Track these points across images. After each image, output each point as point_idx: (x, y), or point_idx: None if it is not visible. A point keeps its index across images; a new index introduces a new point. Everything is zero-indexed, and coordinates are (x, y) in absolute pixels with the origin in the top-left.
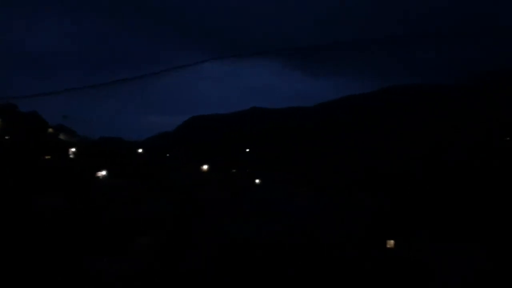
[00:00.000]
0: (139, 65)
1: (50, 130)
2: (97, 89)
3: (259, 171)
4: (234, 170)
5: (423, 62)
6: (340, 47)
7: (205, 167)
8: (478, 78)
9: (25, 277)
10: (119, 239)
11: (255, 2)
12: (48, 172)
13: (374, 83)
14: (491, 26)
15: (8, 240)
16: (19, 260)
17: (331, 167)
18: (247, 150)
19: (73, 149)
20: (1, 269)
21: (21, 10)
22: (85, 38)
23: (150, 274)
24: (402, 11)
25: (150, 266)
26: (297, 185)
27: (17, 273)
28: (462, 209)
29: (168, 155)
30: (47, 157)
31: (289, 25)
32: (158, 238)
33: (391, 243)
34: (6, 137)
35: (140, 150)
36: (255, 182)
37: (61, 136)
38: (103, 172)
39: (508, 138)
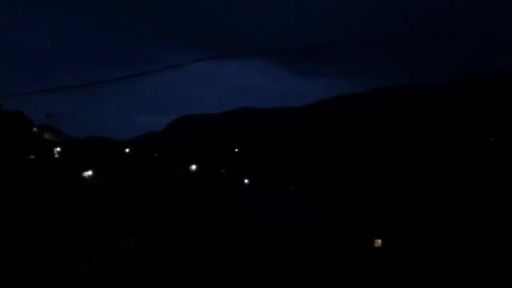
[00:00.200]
0: (128, 64)
1: (34, 129)
2: (84, 88)
3: (248, 171)
4: (223, 170)
5: (415, 62)
6: (329, 47)
7: (193, 167)
8: (478, 78)
9: (10, 281)
10: (107, 240)
11: (245, 3)
12: (32, 172)
13: (364, 83)
14: (491, 26)
15: None
16: (3, 263)
17: (322, 167)
18: (236, 150)
19: (58, 149)
20: None
21: (8, 9)
22: (72, 37)
23: (138, 275)
24: (397, 11)
25: (138, 267)
26: (287, 184)
27: (2, 277)
28: (461, 209)
29: (156, 155)
30: (30, 157)
31: (279, 25)
32: (147, 238)
33: (378, 242)
34: None
35: (127, 150)
36: (245, 182)
37: (46, 136)
38: (89, 172)
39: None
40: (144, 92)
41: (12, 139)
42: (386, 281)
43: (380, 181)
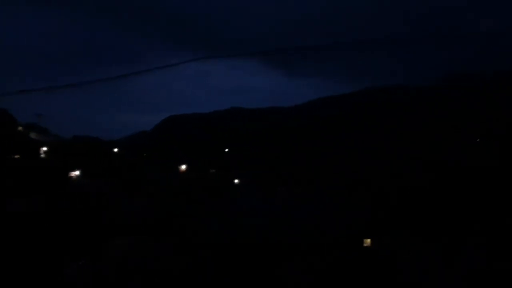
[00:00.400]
0: (119, 64)
1: (20, 128)
2: (73, 88)
3: (238, 171)
4: (213, 170)
5: (405, 63)
6: (320, 48)
7: (183, 167)
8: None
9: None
10: (94, 241)
11: (236, 3)
12: (16, 172)
13: (355, 83)
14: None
15: None
16: None
17: (314, 166)
18: (226, 150)
19: (45, 148)
20: None
21: None
22: (61, 36)
23: (127, 275)
24: (388, 13)
25: (125, 267)
26: (276, 184)
27: None
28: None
29: (145, 154)
30: (15, 156)
31: (270, 26)
32: (135, 239)
33: (367, 241)
34: None
35: (116, 150)
36: (234, 182)
37: (32, 135)
38: (77, 172)
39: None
40: (134, 91)
41: None
42: (386, 281)
43: (377, 180)
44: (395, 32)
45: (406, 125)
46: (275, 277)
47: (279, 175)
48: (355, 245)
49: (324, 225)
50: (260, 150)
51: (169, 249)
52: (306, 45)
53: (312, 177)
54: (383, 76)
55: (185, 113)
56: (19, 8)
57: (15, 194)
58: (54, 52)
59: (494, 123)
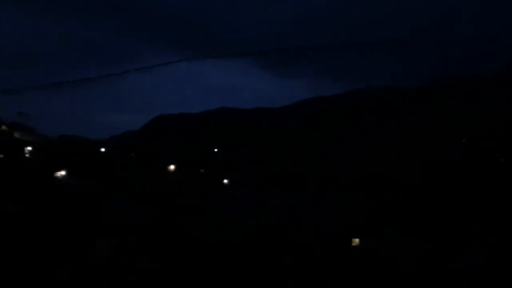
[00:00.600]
0: (107, 63)
1: (4, 127)
2: (59, 86)
3: (227, 171)
4: (202, 170)
5: (395, 64)
6: (310, 49)
7: (171, 167)
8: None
9: None
10: (83, 241)
11: (226, 3)
12: (0, 172)
13: (345, 84)
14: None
15: None
16: None
17: (304, 166)
18: (216, 149)
19: (30, 148)
20: None
21: None
22: (48, 35)
23: (115, 276)
24: (378, 14)
25: (114, 267)
26: (268, 184)
27: None
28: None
29: (133, 154)
30: None
31: (260, 26)
32: (123, 239)
33: (356, 241)
34: None
35: (103, 149)
36: (223, 182)
37: (17, 134)
38: (63, 172)
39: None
40: (122, 91)
41: None
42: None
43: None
44: (388, 33)
45: (406, 125)
46: (271, 278)
47: (271, 175)
48: (354, 245)
49: (321, 225)
50: (250, 150)
51: (158, 249)
52: (297, 46)
53: (304, 177)
54: (363, 77)
55: (174, 112)
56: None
57: None
58: (39, 50)
59: (494, 123)
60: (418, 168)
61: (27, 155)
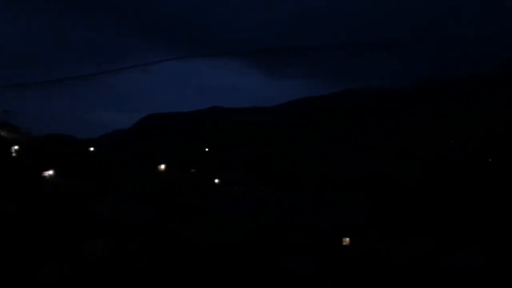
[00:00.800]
0: (96, 61)
1: None
2: (47, 84)
3: (218, 171)
4: (193, 170)
5: (385, 65)
6: (301, 49)
7: (162, 166)
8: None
9: None
10: (71, 241)
11: (217, 2)
12: None
13: (334, 85)
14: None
15: None
16: None
17: (294, 166)
18: (207, 149)
19: (16, 147)
20: None
21: None
22: (37, 33)
23: (101, 278)
24: (369, 15)
25: (100, 270)
26: (257, 184)
27: None
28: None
29: (122, 154)
30: None
31: (251, 26)
32: (111, 240)
33: (346, 240)
34: None
35: (92, 149)
36: (215, 182)
37: (3, 133)
38: (50, 172)
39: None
40: (112, 90)
41: None
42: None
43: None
44: (385, 33)
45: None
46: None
47: (266, 174)
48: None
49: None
50: (244, 149)
51: (152, 249)
52: (288, 45)
53: (302, 176)
54: (353, 78)
55: (165, 112)
56: None
57: None
58: (26, 48)
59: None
60: (418, 168)
61: (13, 154)
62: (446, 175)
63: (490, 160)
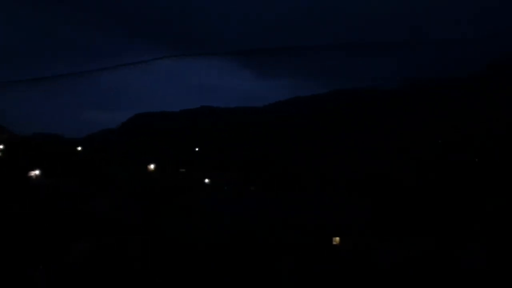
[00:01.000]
0: (85, 59)
1: None
2: (32, 83)
3: (208, 171)
4: (182, 170)
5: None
6: (291, 49)
7: (151, 166)
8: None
9: None
10: (56, 243)
11: (207, 2)
12: None
13: (324, 85)
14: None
15: None
16: None
17: (284, 167)
18: (196, 149)
19: (1, 146)
20: None
21: None
22: (20, 28)
23: (91, 278)
24: (360, 16)
25: (88, 272)
26: (247, 185)
27: None
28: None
29: (110, 153)
30: None
31: (242, 26)
32: (99, 240)
33: (336, 240)
34: None
35: (79, 148)
36: (204, 182)
37: None
38: (37, 172)
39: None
40: (100, 89)
41: None
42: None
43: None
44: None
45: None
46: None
47: (252, 175)
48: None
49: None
50: (232, 149)
51: (136, 249)
52: (278, 46)
53: (275, 177)
54: (343, 78)
55: (153, 111)
56: None
57: None
58: (12, 45)
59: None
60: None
61: None
62: (446, 175)
63: (490, 160)
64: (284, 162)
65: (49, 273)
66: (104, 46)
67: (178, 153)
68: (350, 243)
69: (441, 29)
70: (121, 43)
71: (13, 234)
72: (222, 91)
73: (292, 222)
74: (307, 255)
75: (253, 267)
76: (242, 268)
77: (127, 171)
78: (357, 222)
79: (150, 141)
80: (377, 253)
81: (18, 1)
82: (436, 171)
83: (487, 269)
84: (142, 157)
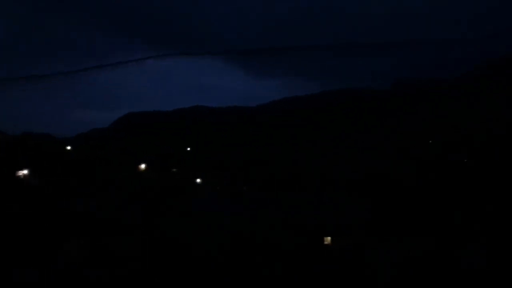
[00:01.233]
0: (76, 58)
1: None
2: (21, 82)
3: (201, 171)
4: (174, 170)
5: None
6: (285, 49)
7: (142, 166)
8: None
9: None
10: (45, 244)
11: (201, 2)
12: None
13: (318, 85)
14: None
15: None
16: None
17: (275, 167)
18: (188, 148)
19: None
20: None
21: None
22: (9, 25)
23: (81, 279)
24: (352, 17)
25: (80, 270)
26: (244, 185)
27: None
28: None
29: (101, 153)
30: None
31: (235, 26)
32: (89, 241)
33: (328, 239)
34: None
35: (69, 147)
36: (196, 182)
37: None
38: (25, 171)
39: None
40: (91, 88)
41: None
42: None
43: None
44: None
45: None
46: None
47: (233, 174)
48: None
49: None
50: (223, 149)
51: (126, 249)
52: (271, 46)
53: (267, 177)
54: (335, 78)
55: (146, 110)
56: None
57: None
58: (4, 43)
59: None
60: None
61: None
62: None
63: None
64: (282, 162)
65: (37, 273)
66: (96, 45)
67: (169, 153)
68: (350, 243)
69: (441, 29)
70: (114, 43)
71: (8, 234)
72: (215, 91)
73: (292, 222)
74: (307, 255)
75: (253, 267)
76: (242, 268)
77: (120, 170)
78: (357, 222)
79: (141, 140)
80: (377, 253)
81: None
82: (436, 171)
83: (487, 269)
84: (133, 156)
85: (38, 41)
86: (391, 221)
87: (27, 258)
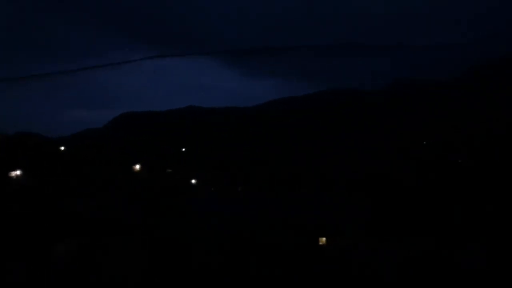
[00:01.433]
0: (72, 58)
1: None
2: (15, 81)
3: (195, 171)
4: (169, 170)
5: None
6: (278, 49)
7: (137, 166)
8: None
9: None
10: (37, 245)
11: (195, 1)
12: None
13: (312, 85)
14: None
15: None
16: None
17: (270, 167)
18: (183, 149)
19: None
20: None
21: None
22: (8, 26)
23: (73, 279)
24: (348, 17)
25: (72, 271)
26: (236, 184)
27: None
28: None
29: (95, 152)
30: None
31: (229, 25)
32: (83, 241)
33: (323, 240)
34: None
35: (63, 148)
36: (191, 182)
37: None
38: (18, 172)
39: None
40: (86, 88)
41: None
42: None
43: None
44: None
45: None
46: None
47: (227, 174)
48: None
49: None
50: (222, 149)
51: (121, 249)
52: (266, 46)
53: (261, 177)
54: (331, 79)
55: (141, 110)
56: None
57: None
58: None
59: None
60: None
61: None
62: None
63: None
64: (282, 162)
65: (29, 273)
66: (92, 46)
67: (164, 153)
68: (350, 243)
69: (441, 29)
70: (109, 43)
71: (6, 235)
72: (209, 91)
73: (291, 222)
74: (307, 255)
75: (252, 267)
76: (241, 268)
77: (118, 170)
78: (357, 222)
79: (136, 140)
80: (377, 253)
81: None
82: (436, 171)
83: (487, 269)
84: (128, 157)
85: (34, 40)
86: (391, 221)
87: (25, 258)
